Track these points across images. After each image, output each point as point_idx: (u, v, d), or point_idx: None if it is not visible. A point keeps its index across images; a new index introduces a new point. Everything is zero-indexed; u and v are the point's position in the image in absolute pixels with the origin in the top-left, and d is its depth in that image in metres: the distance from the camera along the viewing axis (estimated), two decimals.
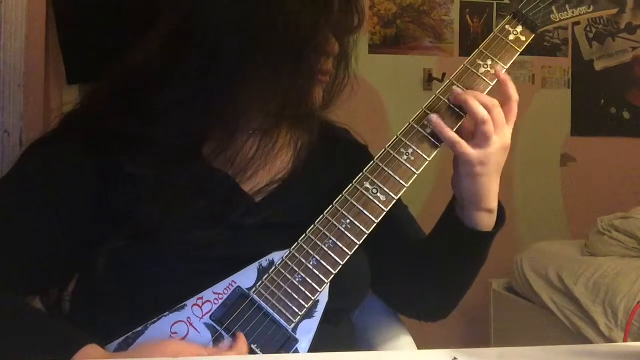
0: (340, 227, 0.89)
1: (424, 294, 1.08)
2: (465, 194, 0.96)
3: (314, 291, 0.87)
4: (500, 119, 0.92)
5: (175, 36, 0.94)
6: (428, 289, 1.06)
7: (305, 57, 0.93)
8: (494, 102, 0.92)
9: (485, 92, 0.96)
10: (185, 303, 0.87)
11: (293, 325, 0.86)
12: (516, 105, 0.95)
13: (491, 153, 0.92)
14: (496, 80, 0.96)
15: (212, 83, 0.92)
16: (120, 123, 0.93)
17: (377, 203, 0.90)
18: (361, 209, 0.90)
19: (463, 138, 0.93)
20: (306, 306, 0.87)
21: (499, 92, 0.96)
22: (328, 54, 0.96)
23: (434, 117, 0.92)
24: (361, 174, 0.92)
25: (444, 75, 3.12)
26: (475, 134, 0.92)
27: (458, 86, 0.95)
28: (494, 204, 0.97)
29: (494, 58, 0.97)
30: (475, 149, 0.92)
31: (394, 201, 0.91)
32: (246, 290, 0.87)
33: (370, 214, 0.90)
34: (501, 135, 0.92)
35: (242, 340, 0.84)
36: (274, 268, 0.88)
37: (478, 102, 0.91)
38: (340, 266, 0.88)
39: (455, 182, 0.97)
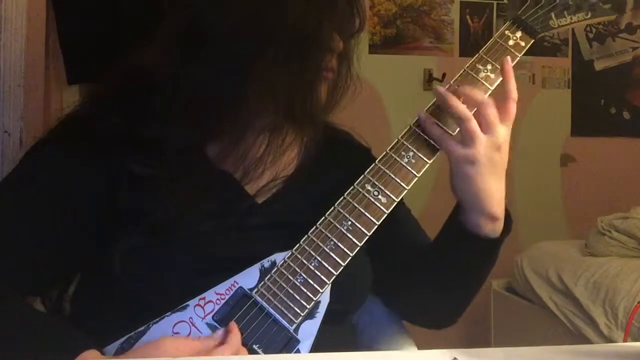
0: (342, 229, 0.89)
1: (430, 300, 1.06)
2: (460, 195, 0.96)
3: (315, 292, 0.87)
4: (490, 117, 0.91)
5: (184, 38, 0.94)
6: (433, 295, 1.05)
7: (311, 54, 0.93)
8: (483, 100, 0.92)
9: (485, 96, 0.96)
10: (187, 303, 0.87)
11: (295, 325, 0.87)
12: (513, 104, 0.93)
13: (479, 152, 0.90)
14: (496, 84, 0.96)
15: (222, 82, 0.92)
16: (128, 124, 0.94)
17: (378, 205, 0.91)
18: (362, 210, 0.90)
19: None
20: (308, 307, 0.87)
21: (499, 88, 0.95)
22: (332, 50, 0.96)
23: (423, 115, 0.92)
24: (362, 176, 0.92)
25: (444, 75, 3.12)
26: (461, 132, 0.92)
27: (449, 85, 0.94)
28: (495, 210, 0.95)
29: (494, 63, 0.97)
30: (462, 148, 0.91)
31: (395, 203, 0.92)
32: (248, 291, 0.88)
33: (371, 215, 0.90)
34: (491, 133, 0.91)
35: (234, 333, 0.84)
36: (275, 269, 0.88)
37: (457, 100, 0.91)
38: (342, 267, 0.88)
39: (452, 183, 0.96)
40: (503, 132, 0.92)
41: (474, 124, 0.90)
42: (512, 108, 0.93)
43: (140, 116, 0.94)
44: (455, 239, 0.99)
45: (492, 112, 0.91)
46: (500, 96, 0.94)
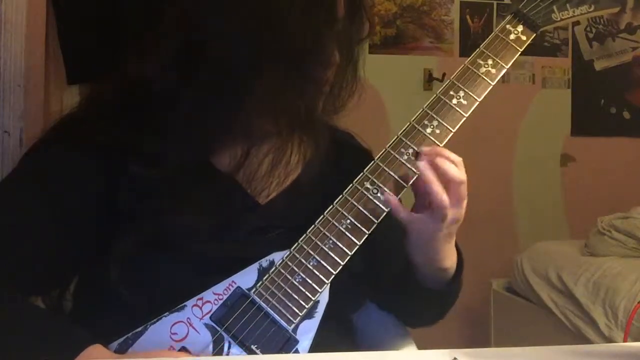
0: (341, 228, 0.89)
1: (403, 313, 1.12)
2: (414, 259, 0.97)
3: (314, 291, 0.87)
4: (461, 194, 0.90)
5: (183, 51, 0.93)
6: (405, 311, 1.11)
7: (309, 70, 0.94)
8: (459, 178, 0.89)
9: (486, 92, 0.95)
10: (185, 303, 0.87)
11: (293, 325, 0.86)
12: (459, 185, 0.90)
13: (443, 229, 0.91)
14: (497, 80, 0.96)
15: (225, 99, 0.92)
16: (128, 134, 0.93)
17: (378, 203, 0.90)
18: (361, 209, 0.90)
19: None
20: (306, 306, 0.87)
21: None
22: (330, 65, 0.97)
23: (392, 199, 0.89)
24: (361, 174, 0.92)
25: (444, 75, 3.12)
26: (430, 213, 0.90)
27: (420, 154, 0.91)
28: (447, 264, 0.97)
29: (495, 57, 0.96)
30: (427, 226, 0.90)
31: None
32: (246, 291, 0.87)
33: (370, 214, 0.90)
34: (457, 210, 0.90)
35: None
36: (274, 268, 0.88)
37: (440, 187, 0.88)
38: (341, 266, 0.88)
39: (407, 248, 0.96)
40: (464, 207, 0.92)
41: (447, 210, 0.89)
42: (458, 189, 0.90)
43: (139, 124, 0.94)
44: (409, 289, 1.01)
45: (464, 190, 0.90)
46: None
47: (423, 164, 0.89)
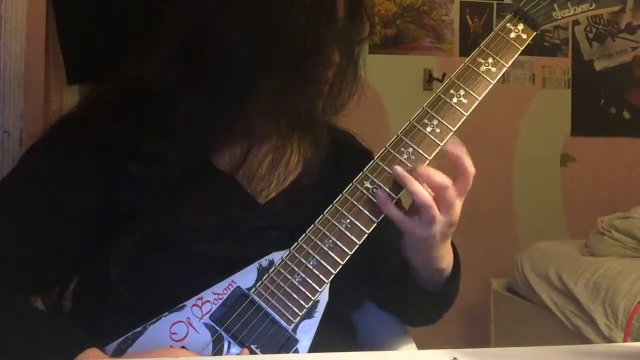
0: (340, 227, 0.89)
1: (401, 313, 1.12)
2: (410, 261, 0.97)
3: (313, 291, 0.87)
4: (449, 199, 0.89)
5: (184, 52, 0.93)
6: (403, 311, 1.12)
7: (310, 70, 0.94)
8: (443, 183, 0.88)
9: (486, 91, 0.95)
10: (184, 303, 0.87)
11: (293, 325, 0.86)
12: (471, 177, 0.90)
13: (436, 232, 0.90)
14: (497, 78, 0.96)
15: (225, 100, 0.92)
16: (128, 134, 0.93)
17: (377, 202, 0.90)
18: (361, 208, 0.90)
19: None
20: (306, 306, 0.87)
21: (453, 166, 0.91)
22: (331, 65, 0.97)
23: (382, 194, 0.89)
24: (361, 173, 0.92)
25: (444, 75, 3.12)
26: (419, 215, 0.89)
27: (403, 162, 0.91)
28: (443, 264, 0.97)
29: (495, 56, 0.96)
30: (421, 230, 0.90)
31: (394, 201, 0.91)
32: (246, 290, 0.87)
33: (370, 213, 0.90)
34: (448, 214, 0.90)
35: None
36: (273, 268, 0.88)
37: (418, 185, 0.88)
38: (341, 266, 0.88)
39: (403, 251, 0.96)
40: (459, 209, 0.91)
41: (435, 210, 0.88)
42: (470, 180, 0.91)
43: (139, 124, 0.94)
44: (405, 289, 1.01)
45: (452, 194, 0.89)
46: (456, 172, 0.91)
47: (399, 171, 0.89)
